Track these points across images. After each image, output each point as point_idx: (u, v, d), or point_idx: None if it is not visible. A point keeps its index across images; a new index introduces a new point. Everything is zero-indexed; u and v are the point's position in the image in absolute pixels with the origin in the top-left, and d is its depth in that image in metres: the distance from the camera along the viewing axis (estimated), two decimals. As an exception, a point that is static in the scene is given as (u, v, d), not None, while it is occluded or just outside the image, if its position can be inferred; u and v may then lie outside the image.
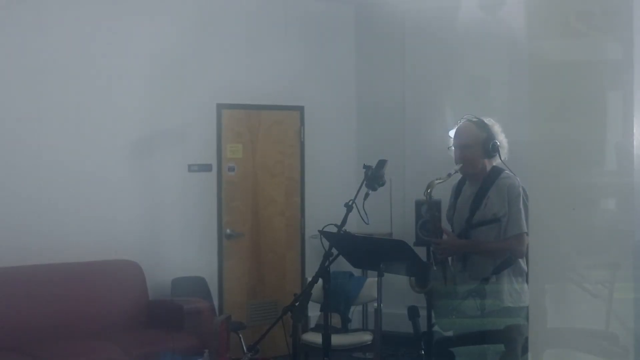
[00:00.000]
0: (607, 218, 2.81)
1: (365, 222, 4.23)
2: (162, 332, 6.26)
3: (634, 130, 2.71)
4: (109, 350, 5.93)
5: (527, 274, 4.44)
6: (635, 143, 2.71)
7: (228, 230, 7.47)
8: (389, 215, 7.67)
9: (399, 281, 4.89)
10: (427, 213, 4.83)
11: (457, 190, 4.74)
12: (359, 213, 4.21)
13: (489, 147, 4.51)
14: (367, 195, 4.26)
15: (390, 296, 6.53)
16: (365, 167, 4.37)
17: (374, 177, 4.32)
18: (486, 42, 7.41)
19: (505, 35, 7.00)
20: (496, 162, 4.58)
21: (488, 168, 4.57)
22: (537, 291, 2.98)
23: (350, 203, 4.23)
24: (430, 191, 4.63)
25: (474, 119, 4.60)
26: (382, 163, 4.36)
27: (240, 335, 6.67)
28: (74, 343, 5.99)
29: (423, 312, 4.35)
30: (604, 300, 2.81)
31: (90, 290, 6.38)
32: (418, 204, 7.33)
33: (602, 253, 2.79)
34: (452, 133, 4.71)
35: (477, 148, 4.54)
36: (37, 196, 6.40)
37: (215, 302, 7.17)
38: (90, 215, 6.63)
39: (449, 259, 4.66)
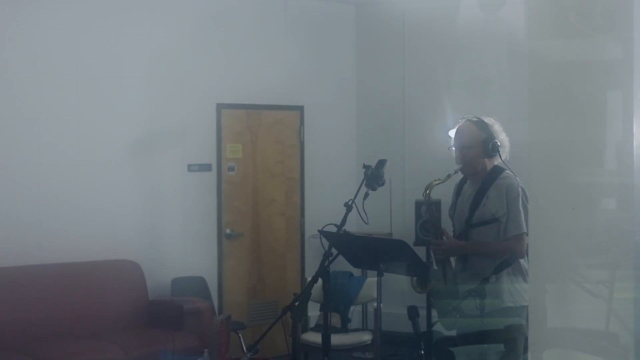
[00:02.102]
0: (607, 218, 2.80)
1: (365, 222, 4.22)
2: (162, 332, 6.26)
3: (634, 130, 2.71)
4: (109, 350, 5.93)
5: (527, 273, 4.44)
6: (635, 143, 2.71)
7: (228, 230, 7.47)
8: (389, 215, 7.67)
9: (398, 281, 4.90)
10: (427, 214, 4.83)
11: (458, 189, 4.75)
12: (359, 213, 4.21)
13: (489, 147, 4.51)
14: (366, 195, 4.25)
15: (390, 296, 6.55)
16: (365, 166, 4.37)
17: (373, 177, 4.32)
18: (486, 41, 7.41)
19: (505, 35, 7.01)
20: (497, 161, 4.57)
21: (489, 168, 4.57)
22: (537, 291, 2.98)
23: (350, 203, 4.22)
24: (429, 192, 4.63)
25: (474, 119, 4.60)
26: (382, 163, 4.36)
27: (240, 335, 6.66)
28: (74, 343, 5.99)
29: (423, 312, 4.35)
30: (604, 300, 2.81)
31: (90, 290, 6.38)
32: (418, 204, 7.33)
33: (602, 253, 2.79)
34: (452, 133, 4.71)
35: (477, 148, 4.54)
36: (36, 196, 6.40)
37: (215, 302, 7.18)
38: (90, 215, 6.63)
39: (451, 258, 4.66)
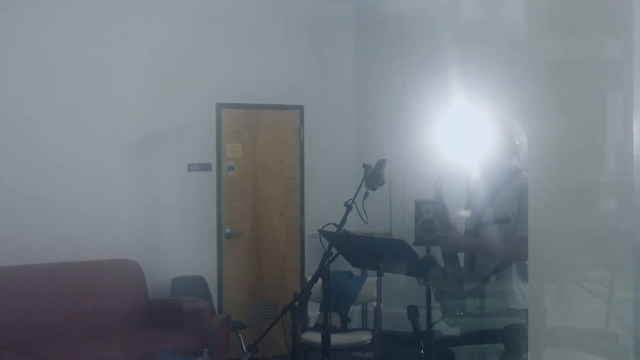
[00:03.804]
0: (607, 218, 2.80)
1: (364, 222, 4.22)
2: (162, 331, 6.26)
3: (634, 130, 2.71)
4: (109, 350, 5.93)
5: None
6: (635, 143, 2.71)
7: (228, 230, 7.47)
8: (389, 215, 7.67)
9: (398, 281, 4.90)
10: (436, 206, 4.81)
11: (474, 186, 4.72)
12: (359, 212, 4.21)
13: (507, 147, 4.48)
14: (366, 194, 4.25)
15: (389, 296, 6.57)
16: (364, 166, 4.37)
17: (373, 177, 4.31)
18: (486, 41, 7.40)
19: (505, 35, 7.00)
20: (515, 162, 4.54)
21: (506, 167, 4.55)
22: (537, 291, 2.97)
23: (349, 202, 4.22)
24: (440, 185, 4.60)
25: (496, 118, 4.58)
26: (381, 162, 4.35)
27: (240, 335, 6.67)
28: (73, 343, 5.99)
29: (422, 312, 4.35)
30: (604, 300, 2.81)
31: (90, 290, 6.39)
32: (418, 204, 7.34)
33: (602, 253, 2.78)
34: (458, 133, 4.68)
35: (495, 148, 4.52)
36: (37, 196, 6.40)
37: (215, 302, 7.18)
38: (90, 214, 6.63)
39: (458, 255, 4.65)
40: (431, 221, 7.23)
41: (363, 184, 4.30)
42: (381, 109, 8.27)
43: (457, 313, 4.42)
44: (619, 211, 2.78)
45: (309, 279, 4.30)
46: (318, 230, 4.40)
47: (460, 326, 4.59)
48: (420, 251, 4.70)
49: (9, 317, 5.95)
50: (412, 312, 4.25)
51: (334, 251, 4.25)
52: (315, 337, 6.11)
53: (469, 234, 4.61)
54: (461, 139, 4.71)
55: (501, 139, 4.51)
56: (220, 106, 7.44)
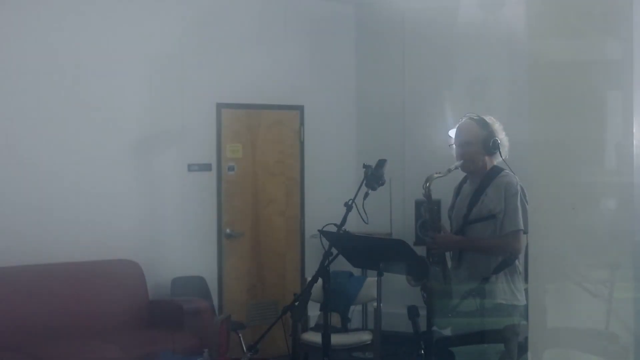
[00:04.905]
0: (607, 218, 2.81)
1: (364, 222, 4.23)
2: (162, 332, 6.26)
3: (634, 130, 2.72)
4: (109, 350, 5.93)
5: (522, 273, 4.46)
6: (635, 143, 2.72)
7: (228, 230, 7.47)
8: (389, 215, 7.66)
9: (398, 281, 4.89)
10: (426, 207, 4.84)
11: (458, 189, 4.77)
12: (359, 213, 4.21)
13: (490, 145, 4.54)
14: (366, 194, 4.26)
15: (389, 296, 6.53)
16: (365, 166, 4.37)
17: (373, 177, 4.32)
18: (486, 42, 7.40)
19: (505, 35, 7.01)
20: (497, 160, 4.60)
21: (488, 166, 4.60)
22: (537, 291, 2.98)
23: (350, 202, 4.23)
24: (429, 185, 4.63)
25: (475, 117, 4.64)
26: (381, 162, 4.36)
27: (240, 335, 6.66)
28: (74, 343, 5.98)
29: (423, 312, 4.35)
30: (604, 300, 2.82)
31: (90, 290, 6.38)
32: (418, 204, 7.33)
33: (602, 253, 2.79)
34: (452, 132, 4.72)
35: (477, 145, 4.57)
36: (36, 196, 6.40)
37: (215, 302, 7.18)
38: (90, 215, 6.63)
39: (448, 257, 4.67)
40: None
41: (363, 184, 4.31)
42: (381, 109, 8.26)
43: (449, 315, 4.44)
44: (619, 211, 2.78)
45: (309, 279, 4.30)
46: (318, 230, 4.41)
47: (452, 327, 4.61)
48: (420, 251, 4.70)
49: (8, 317, 5.94)
50: (413, 312, 4.26)
51: (334, 251, 4.25)
52: (315, 338, 6.10)
53: (455, 234, 4.64)
54: (449, 138, 4.76)
55: (483, 139, 4.55)
56: (220, 106, 7.44)
